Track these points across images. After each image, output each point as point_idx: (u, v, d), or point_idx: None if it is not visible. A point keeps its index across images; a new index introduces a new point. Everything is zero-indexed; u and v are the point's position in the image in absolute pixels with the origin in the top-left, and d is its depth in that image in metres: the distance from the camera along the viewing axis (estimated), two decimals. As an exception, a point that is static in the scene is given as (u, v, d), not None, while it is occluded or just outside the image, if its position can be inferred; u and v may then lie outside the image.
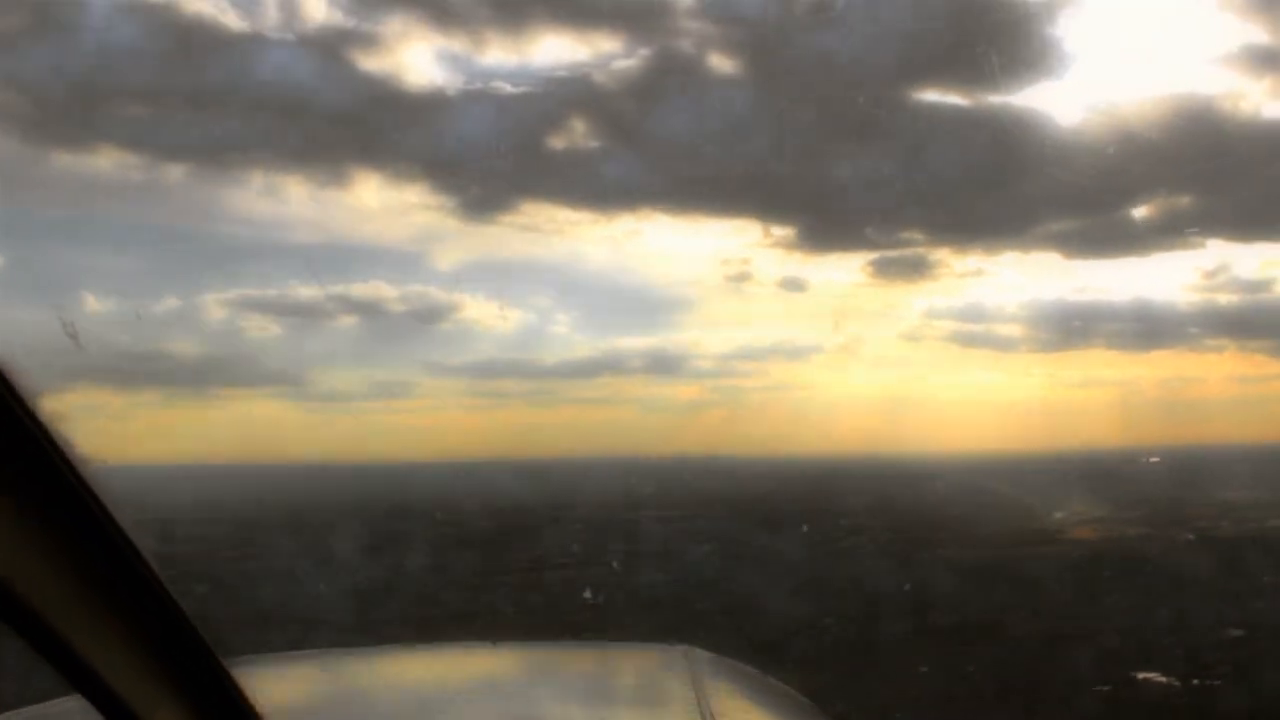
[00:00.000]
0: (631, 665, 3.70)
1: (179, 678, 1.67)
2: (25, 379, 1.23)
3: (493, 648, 4.20)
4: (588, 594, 25.34)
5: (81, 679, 1.48)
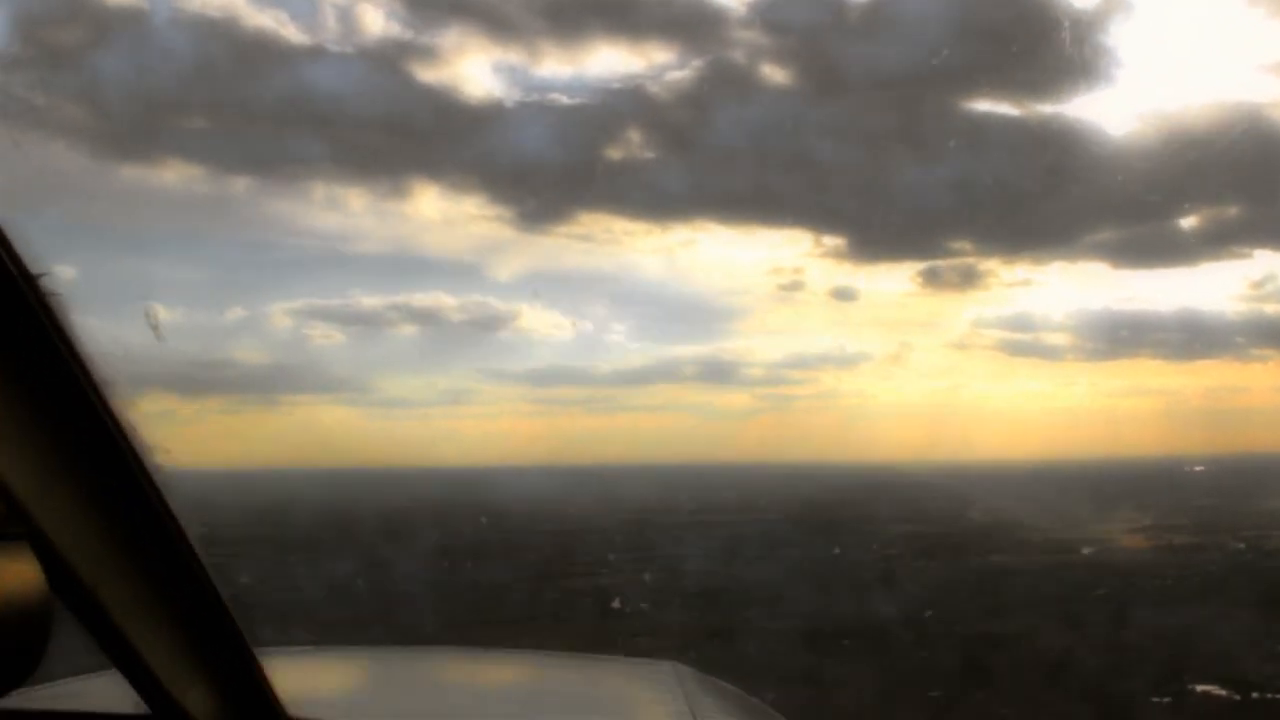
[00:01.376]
0: (621, 677, 3.72)
1: (218, 670, 1.71)
2: (113, 383, 1.30)
3: (484, 652, 4.25)
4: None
5: (120, 655, 1.51)
